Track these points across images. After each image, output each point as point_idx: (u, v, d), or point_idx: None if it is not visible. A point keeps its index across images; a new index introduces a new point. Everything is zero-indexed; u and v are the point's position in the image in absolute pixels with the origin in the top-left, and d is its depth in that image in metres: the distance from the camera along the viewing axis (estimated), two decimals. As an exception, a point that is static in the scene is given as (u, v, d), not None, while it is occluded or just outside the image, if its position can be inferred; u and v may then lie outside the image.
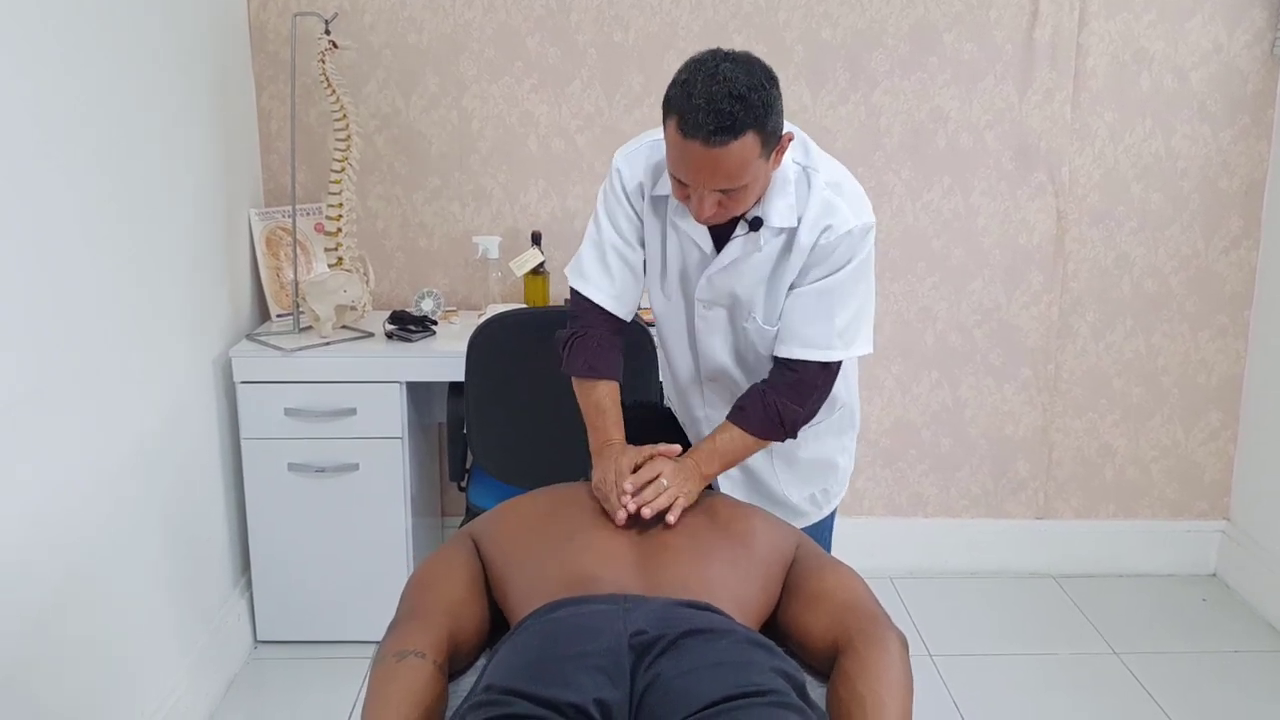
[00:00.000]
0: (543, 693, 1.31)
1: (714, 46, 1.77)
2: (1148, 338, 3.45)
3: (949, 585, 3.52)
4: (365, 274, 3.09)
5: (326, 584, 3.02)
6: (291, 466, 2.94)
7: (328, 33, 2.91)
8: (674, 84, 1.73)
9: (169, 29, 2.64)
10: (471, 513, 2.85)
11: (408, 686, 1.49)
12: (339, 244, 3.02)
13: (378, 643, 1.62)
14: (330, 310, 2.98)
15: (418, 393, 3.08)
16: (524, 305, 3.21)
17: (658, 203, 1.99)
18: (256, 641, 3.09)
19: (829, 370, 1.96)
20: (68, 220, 2.16)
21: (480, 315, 3.09)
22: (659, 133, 1.89)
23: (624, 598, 1.49)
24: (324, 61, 2.91)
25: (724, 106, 1.65)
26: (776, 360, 1.97)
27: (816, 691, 1.57)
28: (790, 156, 1.88)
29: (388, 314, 3.14)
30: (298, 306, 3.05)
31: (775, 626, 1.72)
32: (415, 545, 3.07)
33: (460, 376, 2.76)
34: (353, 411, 2.93)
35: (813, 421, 2.04)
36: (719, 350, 2.06)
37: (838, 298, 1.91)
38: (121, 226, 2.39)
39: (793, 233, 1.90)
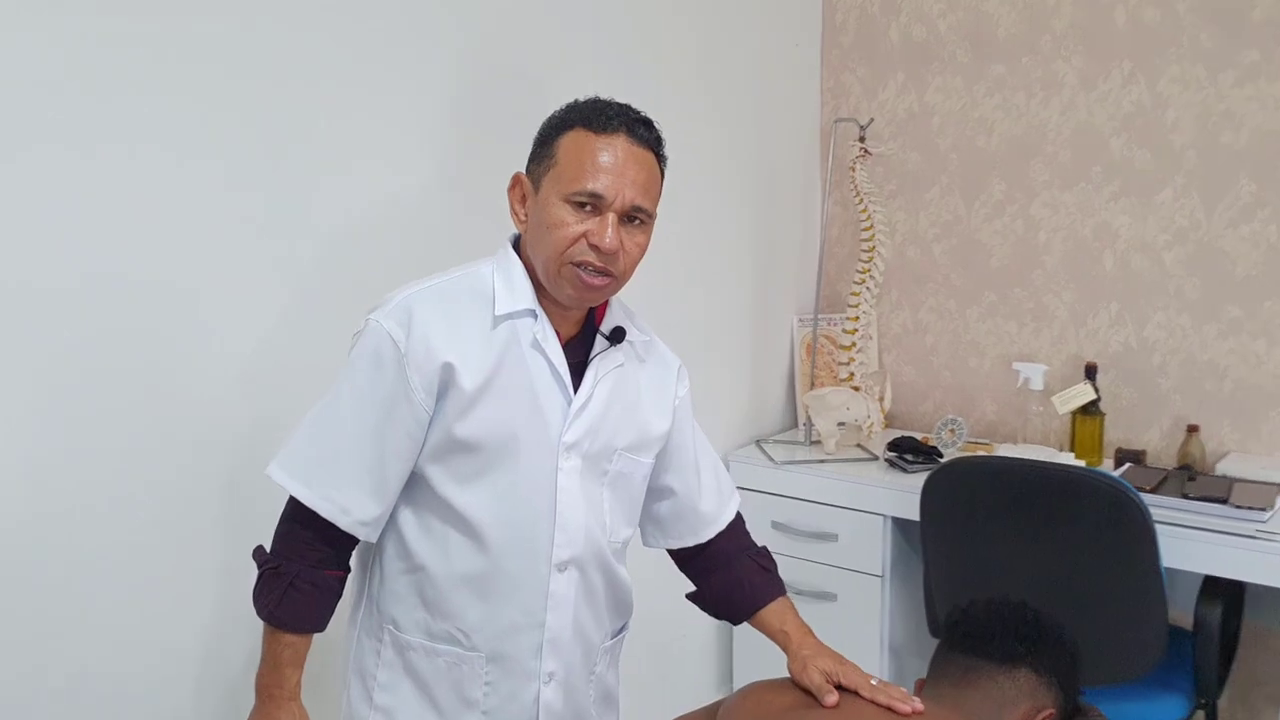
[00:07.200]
0: None
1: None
2: None
3: None
4: (881, 391, 2.88)
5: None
6: (774, 582, 2.84)
7: (861, 140, 2.78)
8: (560, 112, 1.48)
9: (747, 134, 2.88)
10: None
11: None
12: (851, 359, 2.86)
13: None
14: (832, 426, 2.82)
15: (914, 530, 2.77)
16: (1059, 450, 2.73)
17: (505, 328, 1.47)
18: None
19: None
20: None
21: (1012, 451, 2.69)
22: (430, 280, 1.50)
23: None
24: (854, 169, 2.79)
25: (646, 118, 1.48)
26: (723, 532, 1.72)
27: None
28: None
29: (896, 437, 2.88)
30: (808, 419, 2.94)
31: None
32: (890, 697, 2.76)
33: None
34: (834, 538, 2.74)
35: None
36: (581, 515, 1.51)
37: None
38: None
39: (648, 352, 1.63)
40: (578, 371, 1.52)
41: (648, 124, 1.47)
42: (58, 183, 1.52)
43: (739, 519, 1.76)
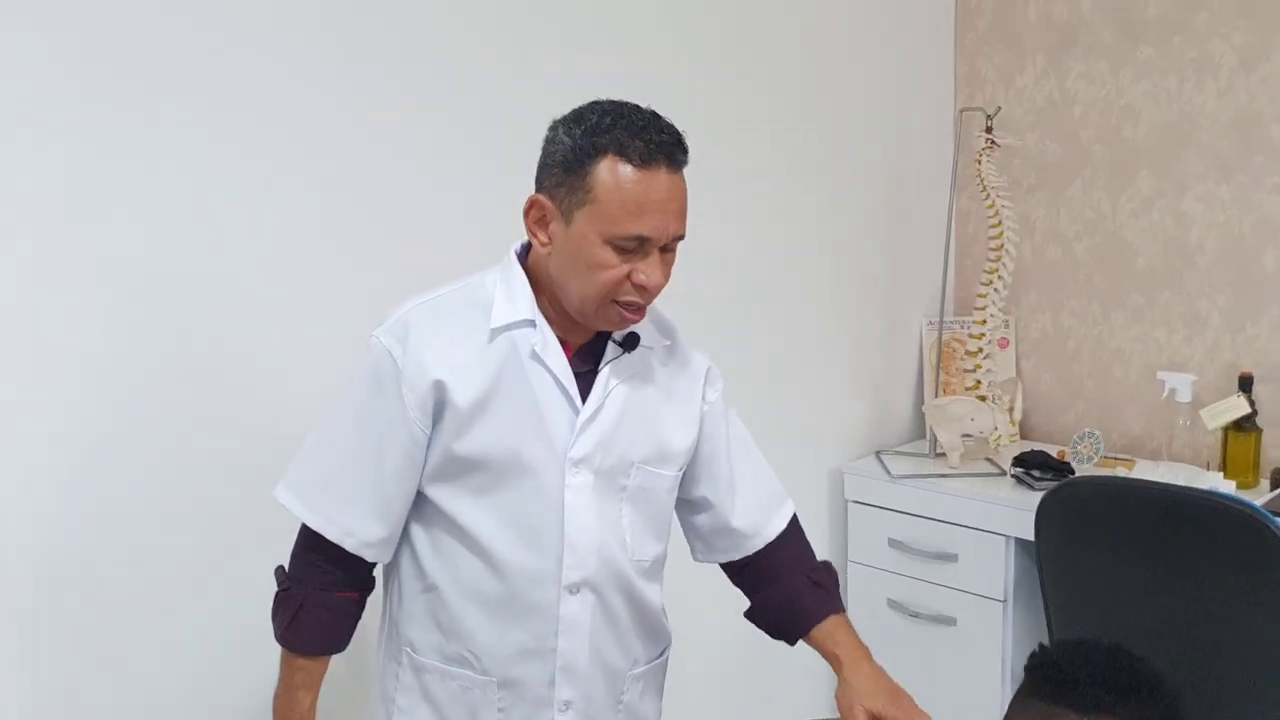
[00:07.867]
0: None
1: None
2: None
3: None
4: (1011, 401, 2.68)
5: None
6: (891, 603, 2.68)
7: (988, 130, 2.59)
8: (584, 132, 1.31)
9: (876, 126, 2.79)
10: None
11: None
12: (978, 365, 2.66)
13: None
14: (955, 439, 2.64)
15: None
16: (1206, 468, 2.47)
17: (504, 340, 1.38)
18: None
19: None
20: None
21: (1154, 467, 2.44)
22: (432, 293, 1.42)
23: None
24: (980, 162, 2.60)
25: (676, 133, 1.33)
26: (774, 544, 1.59)
27: None
28: None
29: (1027, 451, 2.66)
30: (932, 431, 2.76)
31: None
32: (1013, 731, 2.56)
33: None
34: (954, 558, 2.56)
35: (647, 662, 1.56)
36: (592, 534, 1.40)
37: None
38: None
39: (671, 356, 1.50)
40: (590, 381, 1.42)
41: (681, 144, 1.34)
42: (75, 188, 1.55)
43: (794, 530, 1.62)
